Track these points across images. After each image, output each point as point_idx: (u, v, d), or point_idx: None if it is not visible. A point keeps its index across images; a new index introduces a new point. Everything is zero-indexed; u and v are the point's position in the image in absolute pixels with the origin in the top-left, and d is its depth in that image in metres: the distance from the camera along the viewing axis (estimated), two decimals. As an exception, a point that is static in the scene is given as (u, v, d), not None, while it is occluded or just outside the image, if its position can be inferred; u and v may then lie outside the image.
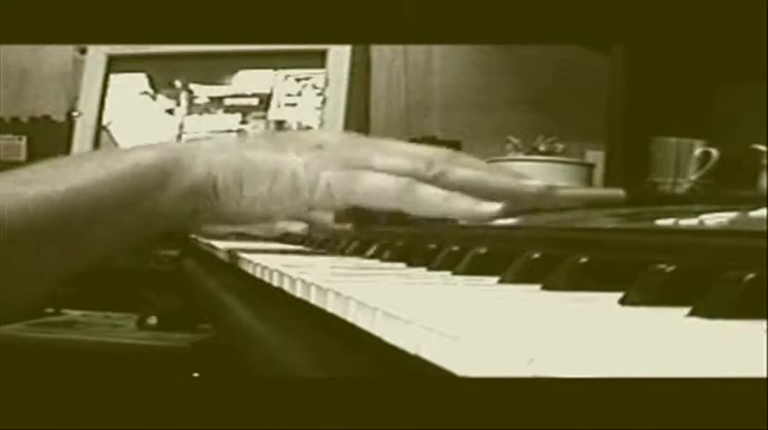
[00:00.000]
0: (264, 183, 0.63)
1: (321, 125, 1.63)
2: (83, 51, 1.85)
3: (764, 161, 1.41)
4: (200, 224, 0.70)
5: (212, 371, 1.26)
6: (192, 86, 1.75)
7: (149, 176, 0.62)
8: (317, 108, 1.65)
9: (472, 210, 0.58)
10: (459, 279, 0.48)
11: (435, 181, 0.61)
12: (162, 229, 0.67)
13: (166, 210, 0.63)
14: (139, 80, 1.77)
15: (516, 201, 0.61)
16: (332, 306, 0.39)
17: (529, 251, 0.45)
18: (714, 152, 1.48)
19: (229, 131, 1.71)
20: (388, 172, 0.62)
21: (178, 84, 1.76)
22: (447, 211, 0.59)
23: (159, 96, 1.76)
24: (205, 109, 1.74)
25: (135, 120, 1.77)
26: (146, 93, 1.77)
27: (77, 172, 0.62)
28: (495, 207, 0.57)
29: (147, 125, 1.76)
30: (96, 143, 1.75)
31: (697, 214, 0.54)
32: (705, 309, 0.30)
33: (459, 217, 0.57)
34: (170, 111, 1.75)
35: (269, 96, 1.70)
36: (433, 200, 0.60)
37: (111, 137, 1.76)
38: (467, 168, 0.62)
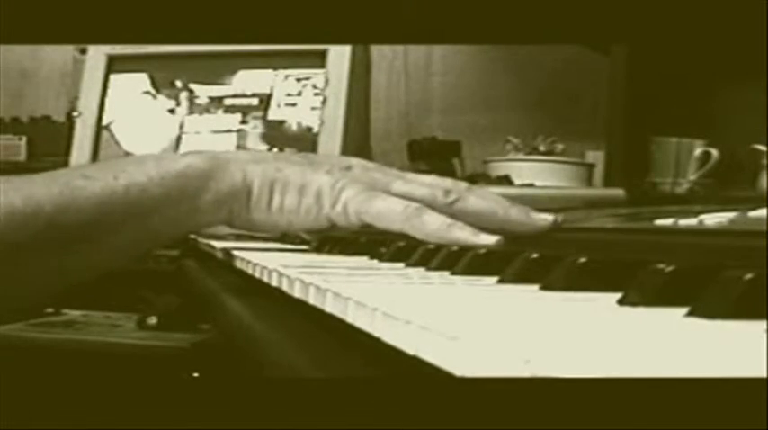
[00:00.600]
0: (293, 196, 0.67)
1: (321, 125, 1.63)
2: (83, 51, 1.85)
3: (764, 161, 1.42)
4: (230, 229, 0.74)
5: (212, 371, 1.25)
6: (193, 86, 1.75)
7: (194, 178, 0.67)
8: (317, 108, 1.65)
9: (470, 239, 0.61)
10: (458, 279, 0.48)
11: (449, 209, 0.65)
12: (194, 231, 0.70)
13: (202, 213, 0.67)
14: (140, 80, 1.77)
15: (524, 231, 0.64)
16: (331, 306, 0.39)
17: (528, 251, 0.45)
18: (714, 152, 1.48)
19: (229, 131, 1.71)
20: (404, 196, 0.65)
21: (178, 84, 1.76)
22: (447, 238, 0.62)
23: (160, 96, 1.76)
24: (205, 109, 1.74)
25: (136, 120, 1.76)
26: (147, 92, 1.77)
27: (138, 169, 0.66)
28: (493, 239, 0.60)
29: (148, 125, 1.76)
30: (96, 143, 1.75)
31: (696, 214, 0.54)
32: (704, 308, 0.30)
33: (458, 245, 0.59)
34: (170, 111, 1.75)
35: (269, 96, 1.70)
36: (435, 225, 0.63)
37: (112, 136, 1.76)
38: (481, 199, 0.66)
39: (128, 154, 1.70)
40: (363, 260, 0.67)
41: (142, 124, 1.76)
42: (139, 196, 0.65)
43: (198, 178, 0.66)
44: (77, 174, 0.65)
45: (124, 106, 1.77)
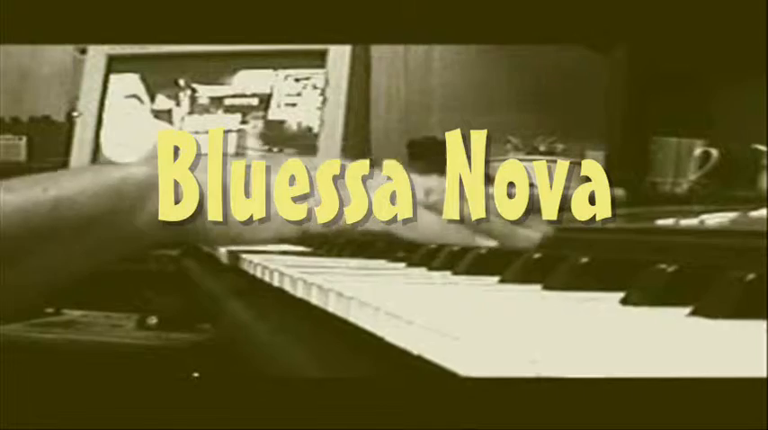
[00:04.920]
0: (251, 204, 0.61)
1: (321, 125, 1.63)
2: (83, 51, 1.85)
3: (764, 161, 1.41)
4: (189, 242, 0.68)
5: (212, 371, 1.25)
6: (192, 86, 1.75)
7: (130, 193, 0.60)
8: (317, 108, 1.65)
9: (467, 243, 0.58)
10: (460, 279, 0.48)
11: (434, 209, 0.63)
12: (138, 252, 0.63)
13: (141, 232, 0.61)
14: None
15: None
16: (333, 306, 0.39)
17: (529, 251, 0.45)
18: (714, 152, 1.48)
19: (229, 131, 1.71)
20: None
21: (178, 83, 1.75)
22: (443, 239, 0.58)
23: (159, 96, 1.76)
24: (205, 109, 1.74)
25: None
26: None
27: (73, 181, 0.61)
28: (492, 244, 0.58)
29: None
30: (96, 143, 1.75)
31: (697, 214, 0.54)
32: (706, 308, 0.30)
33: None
34: (169, 112, 1.75)
35: (269, 96, 1.70)
36: (431, 226, 0.61)
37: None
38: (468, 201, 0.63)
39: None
40: (365, 261, 0.67)
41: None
42: (68, 211, 0.59)
43: (135, 192, 0.60)
44: (3, 187, 0.59)
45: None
